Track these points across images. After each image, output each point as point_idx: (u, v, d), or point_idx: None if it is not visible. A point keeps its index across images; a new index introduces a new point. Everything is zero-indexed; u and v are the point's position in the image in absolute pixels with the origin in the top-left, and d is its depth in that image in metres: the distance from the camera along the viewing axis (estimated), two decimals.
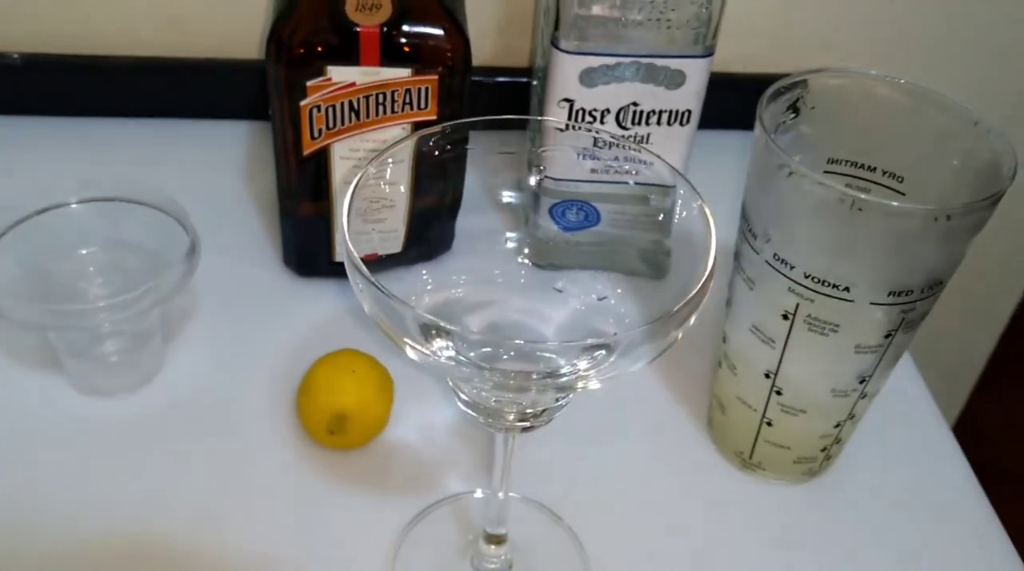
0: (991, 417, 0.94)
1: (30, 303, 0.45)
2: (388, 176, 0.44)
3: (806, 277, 0.39)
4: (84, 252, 0.50)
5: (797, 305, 0.41)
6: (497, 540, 0.43)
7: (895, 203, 0.38)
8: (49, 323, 0.46)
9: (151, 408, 0.49)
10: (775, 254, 0.40)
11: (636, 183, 0.47)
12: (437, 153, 0.39)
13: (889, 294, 0.39)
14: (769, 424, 0.46)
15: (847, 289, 0.39)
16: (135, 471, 0.47)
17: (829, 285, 0.39)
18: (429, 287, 0.38)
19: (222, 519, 0.45)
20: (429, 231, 0.50)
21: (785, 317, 0.41)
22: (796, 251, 0.40)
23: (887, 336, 0.41)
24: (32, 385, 0.50)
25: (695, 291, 0.30)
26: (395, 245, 0.52)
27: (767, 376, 0.44)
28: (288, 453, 0.48)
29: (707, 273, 0.31)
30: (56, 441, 0.48)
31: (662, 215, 0.45)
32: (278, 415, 0.50)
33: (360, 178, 0.33)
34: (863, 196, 0.36)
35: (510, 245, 0.40)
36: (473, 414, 0.36)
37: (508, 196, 0.40)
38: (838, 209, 0.37)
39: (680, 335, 0.31)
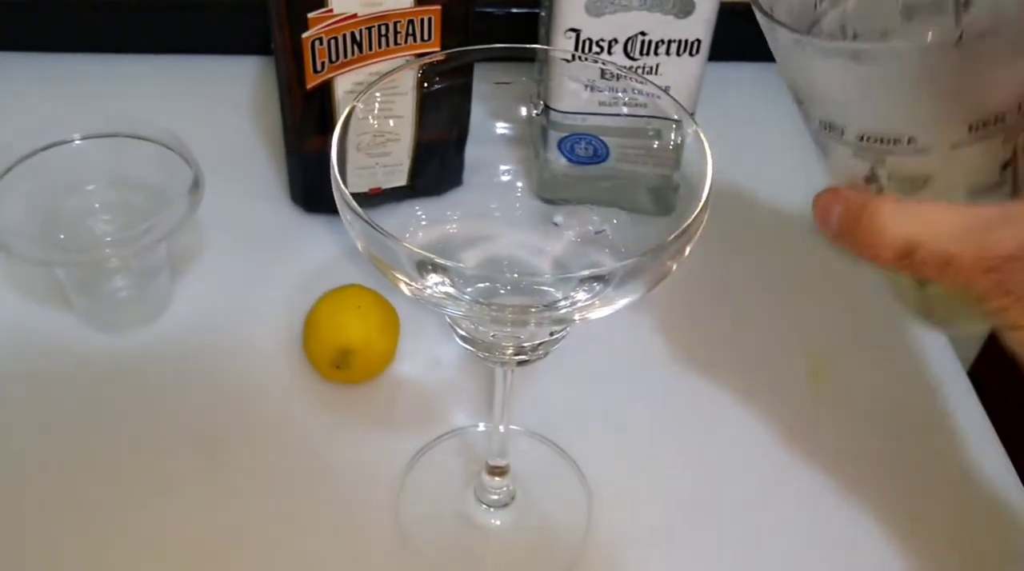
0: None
1: (37, 240, 0.46)
2: (391, 108, 0.43)
3: (862, 139, 0.36)
4: (89, 189, 0.50)
5: (872, 168, 0.36)
6: (499, 472, 0.43)
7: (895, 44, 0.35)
8: (56, 259, 0.46)
9: (160, 343, 0.50)
10: (821, 122, 0.37)
11: (644, 116, 0.46)
12: (440, 84, 0.38)
13: (971, 129, 0.34)
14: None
15: (911, 141, 0.35)
16: (144, 405, 0.47)
17: (889, 142, 0.35)
18: (424, 222, 0.37)
19: (230, 451, 0.46)
20: (436, 164, 0.50)
21: (869, 181, 0.37)
22: (839, 115, 0.36)
23: (1005, 167, 0.36)
24: (43, 321, 0.50)
25: (689, 221, 0.29)
26: (400, 178, 0.51)
27: None
28: (295, 387, 0.48)
29: (701, 203, 0.30)
30: (67, 376, 0.48)
31: (671, 148, 0.44)
32: (285, 350, 0.50)
33: (349, 112, 0.33)
34: (868, 46, 0.34)
35: (506, 178, 0.40)
36: (471, 349, 0.36)
37: (505, 127, 0.40)
38: (856, 67, 0.34)
39: (675, 266, 0.31)
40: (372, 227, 0.30)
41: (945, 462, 0.48)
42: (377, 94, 0.35)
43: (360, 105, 0.34)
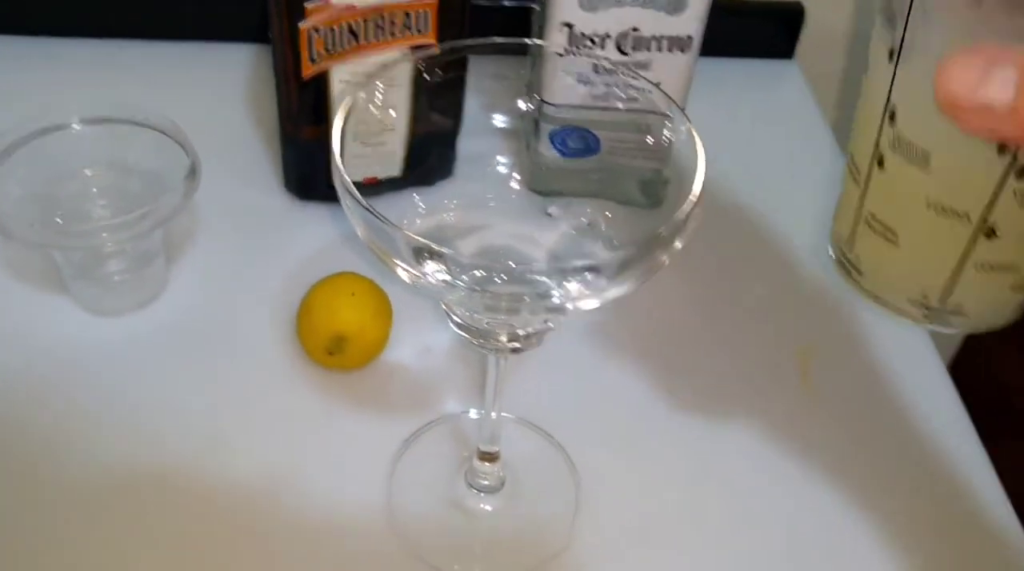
0: (994, 354, 0.94)
1: (35, 224, 0.46)
2: (387, 99, 0.44)
3: None
4: (87, 173, 0.50)
5: None
6: (490, 457, 0.44)
7: None
8: (53, 243, 0.47)
9: (154, 328, 0.50)
10: None
11: (635, 110, 0.47)
12: (435, 76, 0.39)
13: None
14: (991, 235, 0.30)
15: None
16: (138, 390, 0.48)
17: None
18: (421, 211, 0.38)
19: (223, 436, 0.46)
20: (429, 155, 0.51)
21: None
22: None
23: None
24: (38, 305, 0.51)
25: (680, 214, 0.30)
26: (394, 169, 0.52)
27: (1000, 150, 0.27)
28: (288, 373, 0.49)
29: (694, 197, 0.31)
30: (61, 359, 0.49)
31: (661, 143, 0.45)
32: (278, 336, 0.51)
33: (351, 102, 0.33)
34: None
35: (502, 169, 0.40)
36: (465, 336, 0.36)
37: (501, 120, 0.41)
38: None
39: (667, 259, 0.32)
40: (372, 214, 0.31)
41: (925, 458, 0.49)
42: (379, 85, 0.36)
43: (363, 94, 0.34)
